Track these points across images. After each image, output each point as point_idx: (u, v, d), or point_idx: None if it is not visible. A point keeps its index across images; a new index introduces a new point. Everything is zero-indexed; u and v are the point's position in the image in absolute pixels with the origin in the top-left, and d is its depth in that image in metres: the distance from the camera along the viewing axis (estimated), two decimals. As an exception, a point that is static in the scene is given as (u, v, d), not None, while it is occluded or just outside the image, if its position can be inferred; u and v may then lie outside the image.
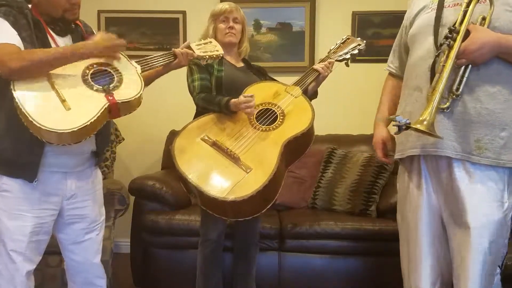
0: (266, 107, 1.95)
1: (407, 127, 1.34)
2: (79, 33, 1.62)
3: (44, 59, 1.40)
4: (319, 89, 2.16)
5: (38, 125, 1.33)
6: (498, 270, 1.50)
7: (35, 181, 1.49)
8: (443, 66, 1.38)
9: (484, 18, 1.40)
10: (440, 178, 1.48)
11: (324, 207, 2.77)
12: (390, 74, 1.80)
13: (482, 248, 1.39)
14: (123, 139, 3.05)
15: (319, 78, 2.07)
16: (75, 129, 1.36)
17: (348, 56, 2.14)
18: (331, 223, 2.50)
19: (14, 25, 1.43)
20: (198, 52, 1.80)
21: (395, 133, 1.41)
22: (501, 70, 1.40)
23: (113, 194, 2.46)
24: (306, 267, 2.52)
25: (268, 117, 1.90)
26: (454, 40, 1.37)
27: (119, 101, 1.45)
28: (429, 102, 1.36)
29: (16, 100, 1.36)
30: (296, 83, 2.04)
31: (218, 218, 1.88)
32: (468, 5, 1.42)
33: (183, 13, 3.29)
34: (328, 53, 2.18)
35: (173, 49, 1.74)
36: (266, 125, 1.88)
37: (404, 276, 1.64)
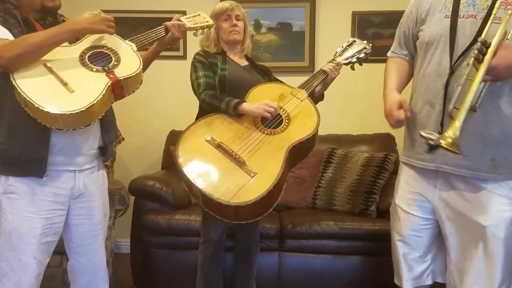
0: None
1: (438, 146, 1.33)
2: None
3: (37, 42, 1.40)
4: (319, 89, 2.17)
5: (45, 110, 1.34)
6: None
7: (45, 177, 1.48)
8: (469, 80, 1.34)
9: (505, 33, 1.38)
10: (449, 183, 1.50)
11: (324, 207, 2.77)
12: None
13: (496, 244, 1.43)
14: (123, 139, 3.05)
15: (326, 80, 2.08)
16: (83, 109, 1.37)
17: (354, 59, 2.15)
18: (331, 223, 2.50)
19: (4, 24, 1.45)
20: (189, 24, 1.82)
21: (426, 151, 1.39)
22: (505, 92, 1.42)
23: (113, 194, 2.46)
24: (306, 267, 2.52)
25: (273, 120, 1.89)
26: (484, 55, 1.33)
27: (121, 78, 1.47)
28: (455, 118, 1.32)
29: (19, 90, 1.36)
30: (302, 86, 2.03)
31: (219, 219, 1.88)
32: (488, 17, 1.40)
33: (183, 13, 3.28)
34: (334, 55, 2.19)
35: (164, 22, 1.75)
36: (271, 129, 1.87)
37: (397, 272, 1.67)
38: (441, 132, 1.42)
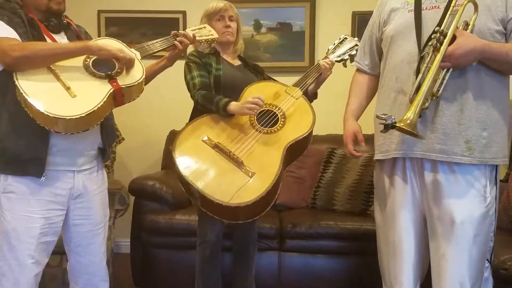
0: (267, 108, 1.94)
1: (393, 126, 1.37)
2: (73, 32, 1.64)
3: (48, 51, 1.42)
4: (319, 89, 2.16)
5: (46, 113, 1.34)
6: (487, 264, 1.54)
7: (43, 177, 1.48)
8: (428, 67, 1.41)
9: (467, 24, 1.42)
10: (424, 177, 1.51)
11: (324, 207, 2.77)
12: (359, 70, 1.81)
13: (467, 242, 1.43)
14: (123, 139, 3.05)
15: (319, 79, 2.08)
16: (83, 115, 1.37)
17: (346, 56, 2.15)
18: (331, 223, 2.50)
19: (9, 23, 1.45)
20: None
21: (381, 131, 1.43)
22: (483, 76, 1.44)
23: (113, 194, 2.46)
24: (306, 267, 2.52)
25: (269, 119, 1.89)
26: (441, 43, 1.39)
27: (123, 86, 1.48)
28: (413, 103, 1.39)
29: (21, 91, 1.36)
30: (296, 84, 2.03)
31: (216, 219, 1.88)
32: (447, 8, 1.44)
33: (183, 13, 3.29)
34: (327, 53, 2.19)
35: (172, 37, 1.75)
36: (268, 128, 1.87)
37: (384, 275, 1.68)
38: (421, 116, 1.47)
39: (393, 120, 1.37)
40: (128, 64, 1.52)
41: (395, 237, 1.59)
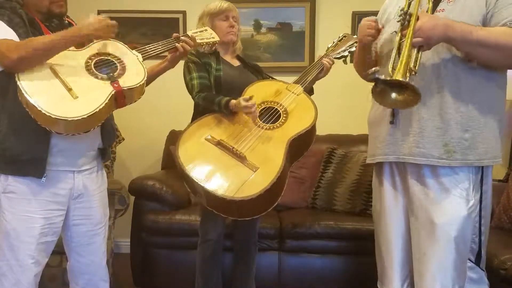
0: (268, 106, 1.95)
1: (385, 81, 1.35)
2: None
3: (42, 46, 1.41)
4: (319, 89, 2.17)
5: (48, 114, 1.34)
6: (470, 264, 1.54)
7: (44, 177, 1.48)
8: (402, 42, 1.40)
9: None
10: (407, 179, 1.54)
11: (324, 207, 2.77)
12: None
13: (447, 242, 1.44)
14: (123, 139, 3.04)
15: (318, 76, 2.08)
16: (85, 116, 1.37)
17: (346, 53, 2.16)
18: (331, 223, 2.50)
19: (9, 23, 1.45)
20: (197, 40, 1.82)
21: (371, 81, 1.41)
22: (461, 76, 1.44)
23: (113, 194, 2.46)
24: (306, 267, 2.52)
25: (271, 115, 1.90)
26: (409, 21, 1.40)
27: (125, 88, 1.47)
28: (400, 62, 1.36)
29: (23, 91, 1.36)
30: (297, 81, 2.05)
31: (218, 219, 1.88)
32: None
33: (183, 13, 3.29)
34: (326, 51, 2.20)
35: (174, 41, 1.75)
36: (270, 124, 1.88)
37: (378, 271, 1.77)
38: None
39: (380, 76, 1.36)
40: (110, 33, 1.54)
41: (385, 236, 1.67)
